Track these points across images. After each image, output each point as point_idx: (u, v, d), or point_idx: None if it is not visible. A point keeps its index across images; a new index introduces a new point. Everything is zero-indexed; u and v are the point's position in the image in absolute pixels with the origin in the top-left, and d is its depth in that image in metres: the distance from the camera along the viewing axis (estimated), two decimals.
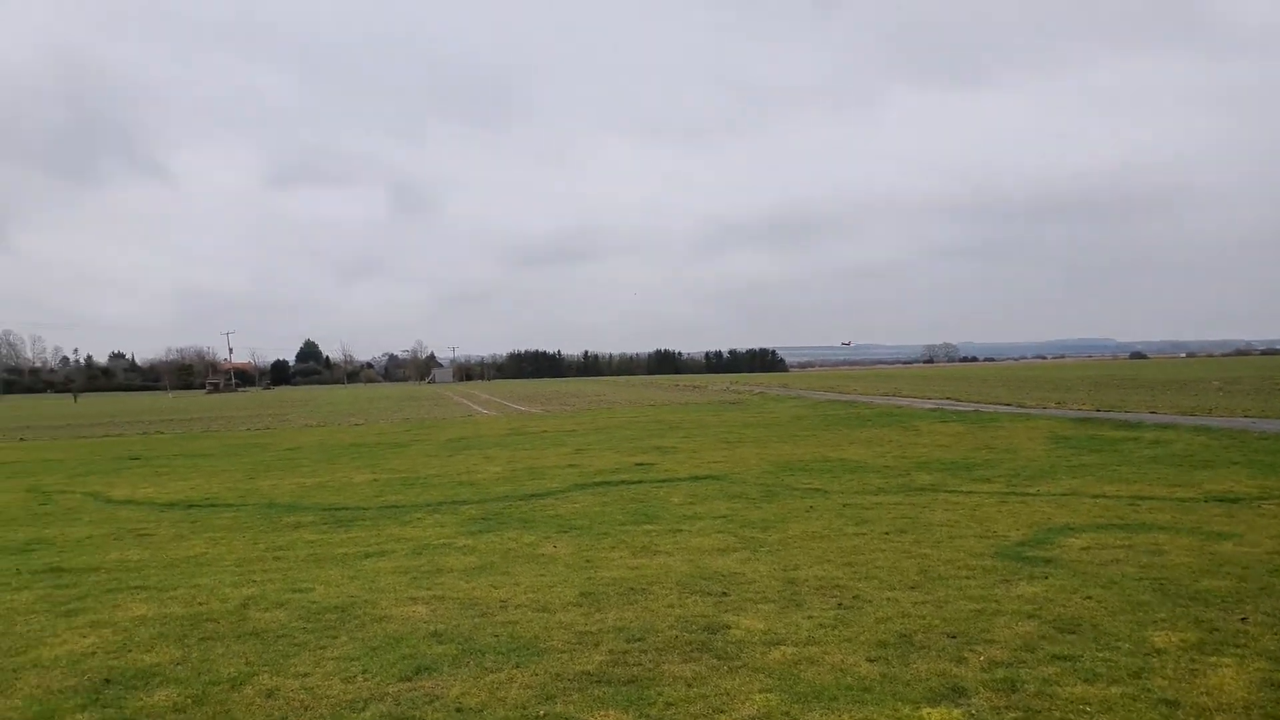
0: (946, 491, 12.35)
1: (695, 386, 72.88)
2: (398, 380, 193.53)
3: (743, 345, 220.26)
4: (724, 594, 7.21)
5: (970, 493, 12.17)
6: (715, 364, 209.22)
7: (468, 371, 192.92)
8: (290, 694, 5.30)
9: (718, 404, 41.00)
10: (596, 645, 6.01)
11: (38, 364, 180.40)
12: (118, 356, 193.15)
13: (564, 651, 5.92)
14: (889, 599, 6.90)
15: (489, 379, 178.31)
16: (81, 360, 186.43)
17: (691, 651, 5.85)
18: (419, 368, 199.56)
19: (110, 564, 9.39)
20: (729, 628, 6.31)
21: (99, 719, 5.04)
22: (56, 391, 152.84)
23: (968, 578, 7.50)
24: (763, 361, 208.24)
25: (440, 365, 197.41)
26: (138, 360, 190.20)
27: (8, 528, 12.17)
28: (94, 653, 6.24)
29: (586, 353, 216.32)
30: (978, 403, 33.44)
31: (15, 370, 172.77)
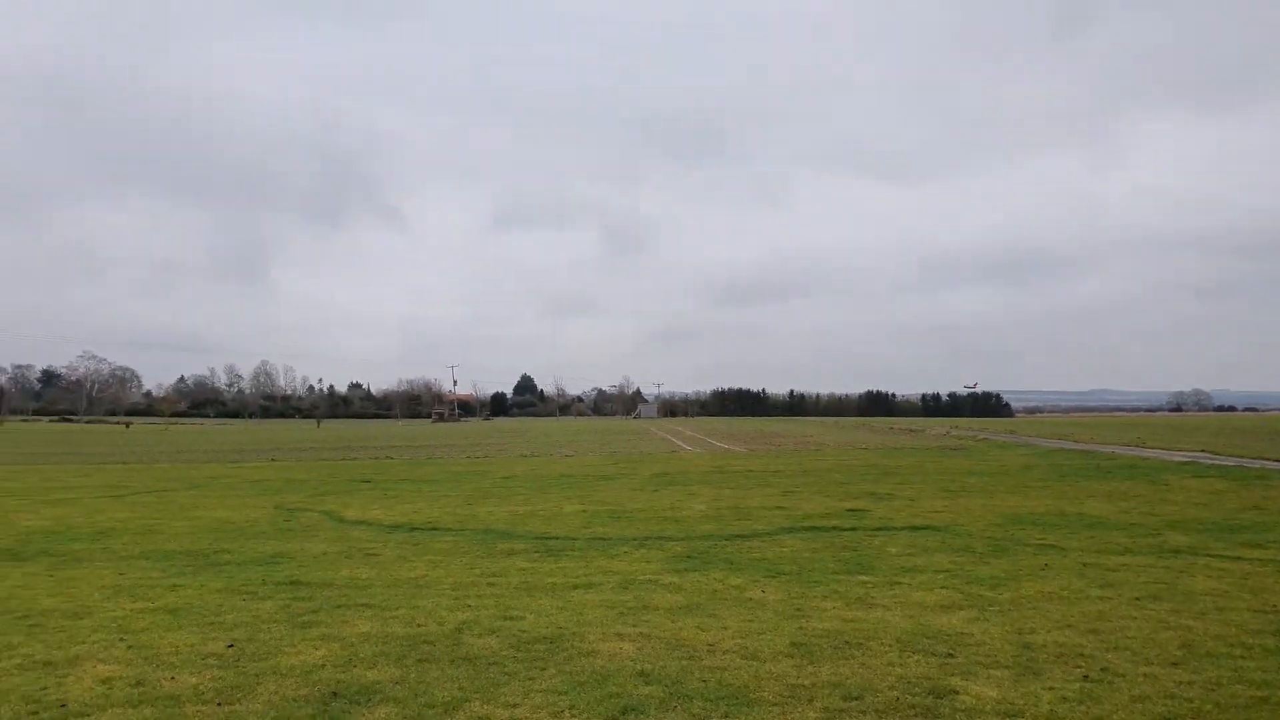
0: (1208, 555, 10.93)
1: (911, 430, 69.97)
2: (605, 414, 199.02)
3: (961, 388, 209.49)
4: (949, 655, 6.62)
5: (1238, 558, 10.71)
6: (933, 407, 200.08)
7: (672, 407, 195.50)
8: None
9: (937, 450, 39.03)
10: (810, 700, 5.65)
11: (289, 391, 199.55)
12: (355, 386, 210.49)
13: (775, 704, 5.60)
14: (1145, 675, 6.07)
15: (692, 415, 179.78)
16: (325, 389, 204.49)
17: (915, 716, 5.36)
18: (625, 402, 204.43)
19: (341, 580, 9.95)
20: (957, 693, 5.75)
21: None
22: (303, 417, 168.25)
23: (1243, 657, 6.50)
24: (984, 406, 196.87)
25: (645, 400, 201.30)
26: (372, 390, 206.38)
27: (257, 540, 13.25)
28: (324, 665, 6.55)
29: (792, 391, 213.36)
30: (1240, 456, 29.88)
31: (270, 397, 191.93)
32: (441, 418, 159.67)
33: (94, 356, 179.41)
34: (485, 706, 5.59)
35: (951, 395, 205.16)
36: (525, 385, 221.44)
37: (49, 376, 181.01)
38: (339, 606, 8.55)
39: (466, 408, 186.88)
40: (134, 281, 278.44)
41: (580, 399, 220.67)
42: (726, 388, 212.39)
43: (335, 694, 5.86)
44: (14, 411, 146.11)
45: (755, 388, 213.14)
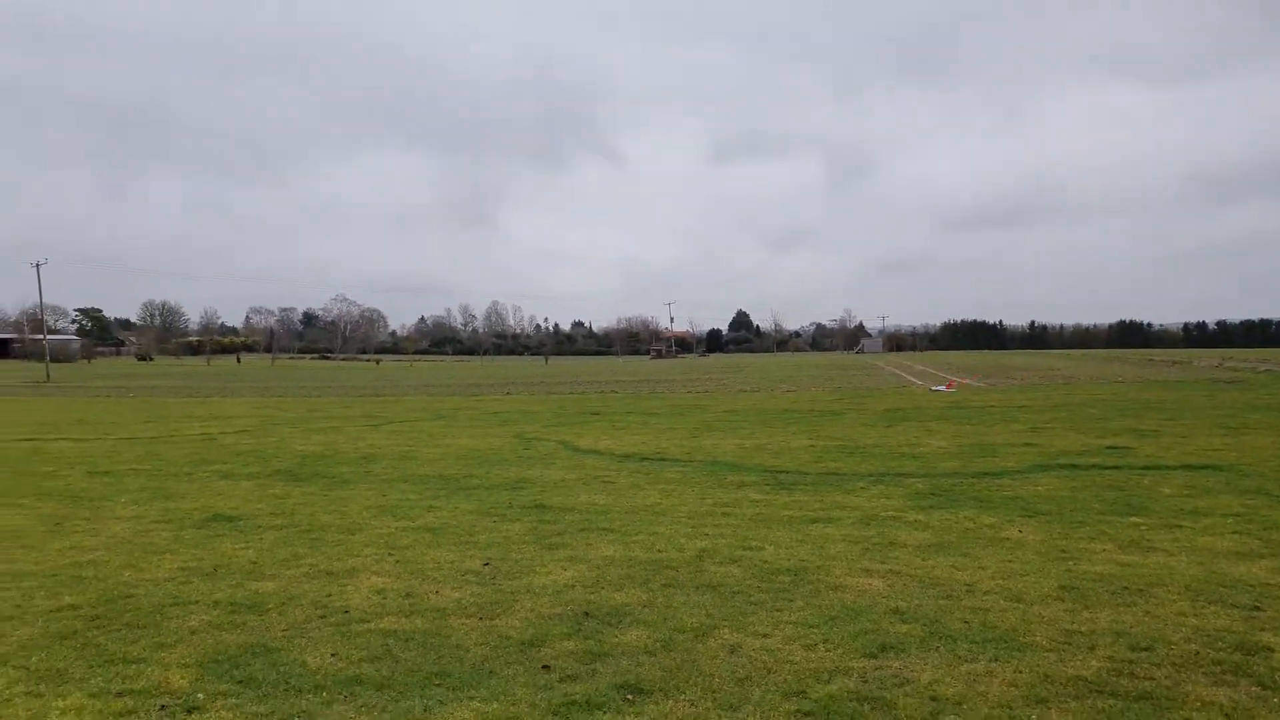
0: None
1: (1175, 362, 63.75)
2: (825, 350, 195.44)
3: (1233, 316, 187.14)
4: (1255, 608, 5.82)
5: None
6: (1197, 337, 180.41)
7: (898, 342, 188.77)
8: (752, 653, 5.17)
9: (1208, 382, 35.30)
10: (1091, 649, 5.13)
11: (517, 330, 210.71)
12: (578, 324, 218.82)
13: (1049, 649, 5.13)
14: None
15: (920, 349, 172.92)
16: (550, 327, 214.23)
17: (1222, 673, 4.73)
18: (847, 337, 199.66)
19: (581, 506, 10.24)
20: (1271, 650, 5.03)
21: (581, 648, 5.31)
22: (530, 354, 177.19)
23: None
24: (1263, 334, 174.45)
25: (869, 335, 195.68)
26: (593, 327, 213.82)
27: (500, 467, 13.94)
28: (573, 586, 6.70)
29: (1033, 323, 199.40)
30: None
31: (501, 335, 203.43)
32: (659, 354, 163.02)
33: (346, 299, 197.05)
34: (735, 634, 5.49)
35: (1220, 324, 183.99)
36: (741, 321, 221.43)
37: (309, 318, 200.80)
38: (582, 530, 8.78)
39: (683, 344, 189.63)
40: (377, 229, 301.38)
41: (798, 334, 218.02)
42: (959, 320, 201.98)
43: (587, 614, 5.97)
44: (282, 350, 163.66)
45: (991, 319, 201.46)
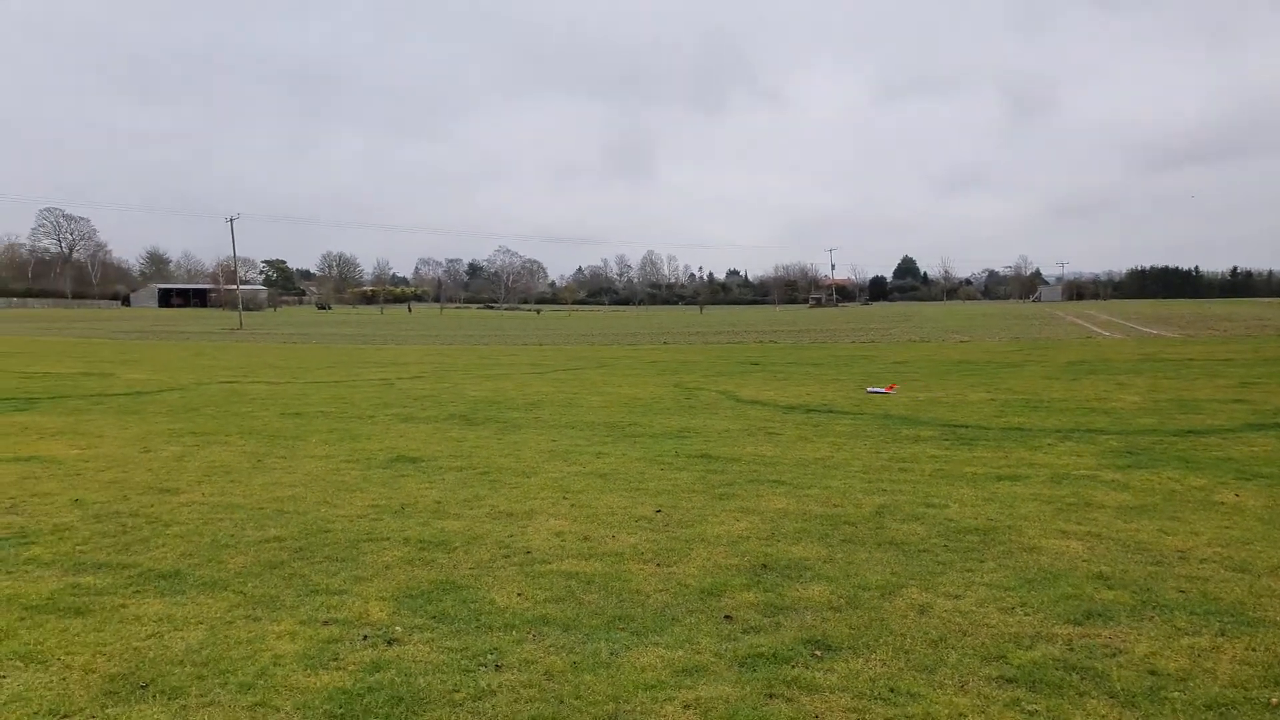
0: None
1: None
2: (998, 298, 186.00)
3: None
4: None
5: None
6: None
7: (1078, 289, 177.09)
8: (944, 614, 4.92)
9: None
10: None
11: (672, 279, 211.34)
12: (733, 273, 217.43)
13: None
14: None
15: (1104, 298, 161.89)
16: (704, 276, 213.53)
17: None
18: (1022, 285, 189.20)
19: (747, 456, 10.11)
20: None
21: (762, 600, 5.21)
22: (685, 303, 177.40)
23: None
24: None
25: (1046, 283, 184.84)
26: (749, 276, 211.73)
27: (663, 415, 13.98)
28: (748, 537, 6.60)
29: (1235, 269, 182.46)
30: None
31: (655, 285, 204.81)
32: (819, 303, 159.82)
33: (508, 251, 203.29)
34: (925, 594, 5.25)
35: None
36: (906, 268, 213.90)
37: (473, 269, 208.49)
38: (751, 481, 8.66)
39: (844, 292, 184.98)
40: (538, 181, 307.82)
41: (968, 282, 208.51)
42: (1148, 266, 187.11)
43: (765, 566, 5.86)
44: (449, 299, 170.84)
45: (1185, 265, 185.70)
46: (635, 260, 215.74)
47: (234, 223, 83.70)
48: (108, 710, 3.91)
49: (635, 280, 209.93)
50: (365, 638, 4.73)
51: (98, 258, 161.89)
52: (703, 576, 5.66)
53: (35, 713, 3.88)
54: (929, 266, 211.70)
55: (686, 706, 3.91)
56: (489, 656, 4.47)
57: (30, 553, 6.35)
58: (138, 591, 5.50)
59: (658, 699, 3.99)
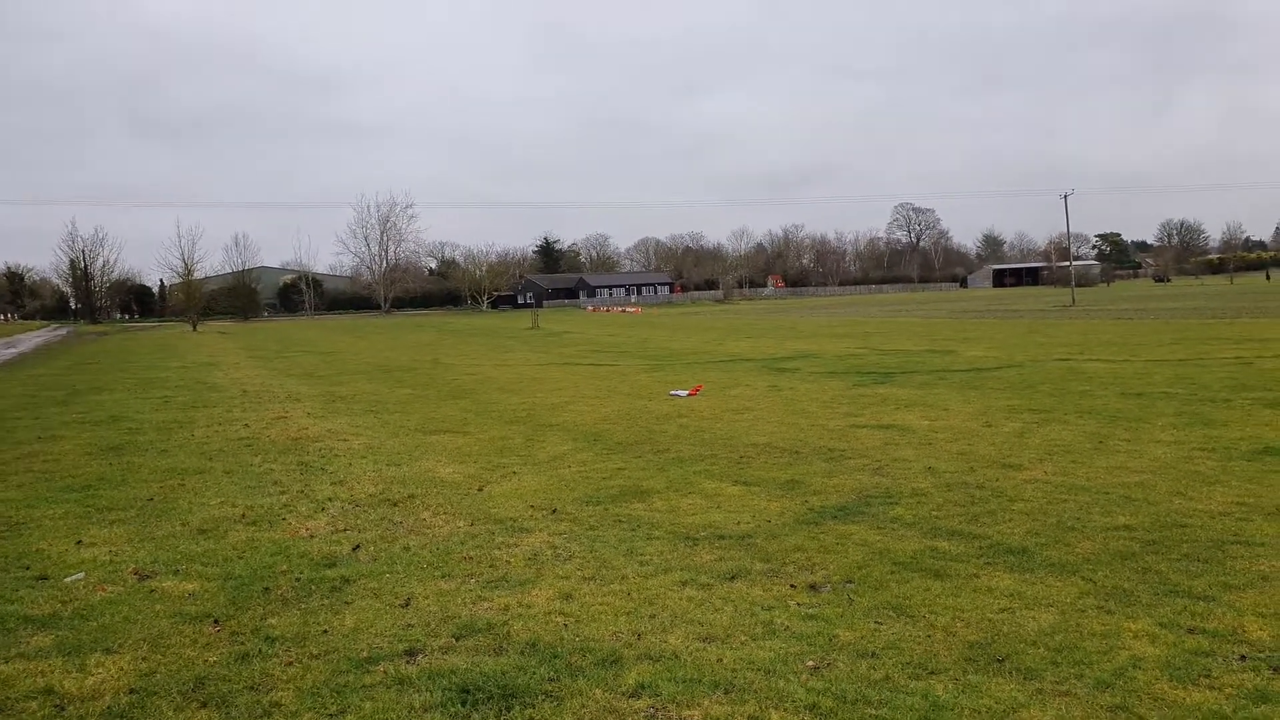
0: None
1: None
2: None
3: None
4: None
5: None
6: None
7: None
8: None
9: None
10: None
11: None
12: None
13: None
14: None
15: None
16: None
17: None
18: None
19: None
20: None
21: None
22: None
23: None
24: None
25: None
26: None
27: None
28: None
29: None
30: None
31: None
32: None
33: None
34: None
35: None
36: None
37: None
38: None
39: None
40: None
41: None
42: None
43: None
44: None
45: None
46: None
47: (1068, 198, 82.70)
48: (969, 676, 4.11)
49: None
50: (1243, 658, 4.10)
51: (940, 244, 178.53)
52: None
53: (907, 663, 4.29)
54: None
55: None
56: None
57: (894, 512, 7.12)
58: (989, 563, 5.71)
59: None
